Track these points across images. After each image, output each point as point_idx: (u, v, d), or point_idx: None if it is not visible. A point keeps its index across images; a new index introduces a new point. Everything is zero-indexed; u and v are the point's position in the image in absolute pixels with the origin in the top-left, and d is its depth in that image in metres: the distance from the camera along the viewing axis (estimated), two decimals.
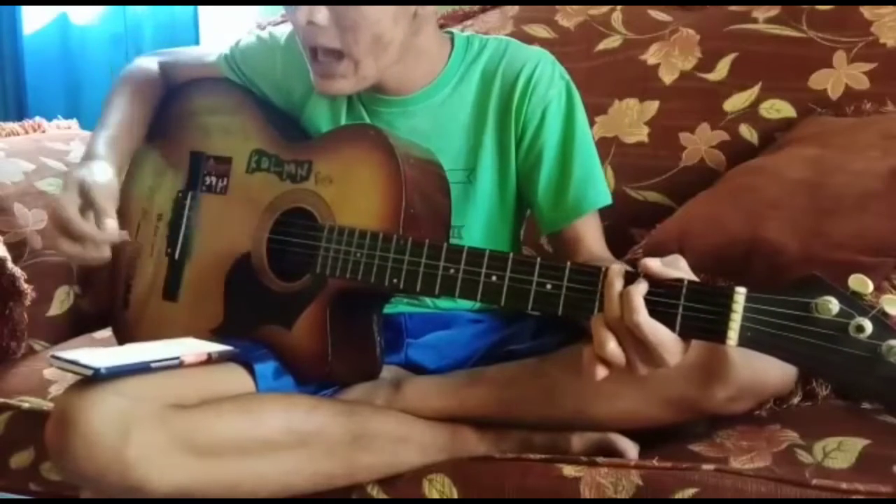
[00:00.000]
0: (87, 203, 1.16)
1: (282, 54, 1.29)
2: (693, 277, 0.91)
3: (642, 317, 0.87)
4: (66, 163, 1.69)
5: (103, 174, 1.20)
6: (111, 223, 1.16)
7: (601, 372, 0.91)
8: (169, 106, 1.38)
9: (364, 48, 1.14)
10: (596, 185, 1.23)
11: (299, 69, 1.23)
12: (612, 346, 0.89)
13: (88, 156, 1.25)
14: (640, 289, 0.88)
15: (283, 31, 1.32)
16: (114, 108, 1.33)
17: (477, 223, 1.24)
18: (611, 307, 0.89)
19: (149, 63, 1.41)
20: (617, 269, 0.91)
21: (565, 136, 1.22)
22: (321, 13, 1.12)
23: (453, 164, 1.21)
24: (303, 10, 1.12)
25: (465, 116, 1.24)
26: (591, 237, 1.22)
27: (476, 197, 1.24)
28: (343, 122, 1.26)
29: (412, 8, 1.15)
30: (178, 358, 1.05)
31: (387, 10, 1.12)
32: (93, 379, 0.98)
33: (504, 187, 1.25)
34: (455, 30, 1.31)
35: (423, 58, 1.23)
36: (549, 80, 1.22)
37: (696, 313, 0.87)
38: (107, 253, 1.18)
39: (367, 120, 1.25)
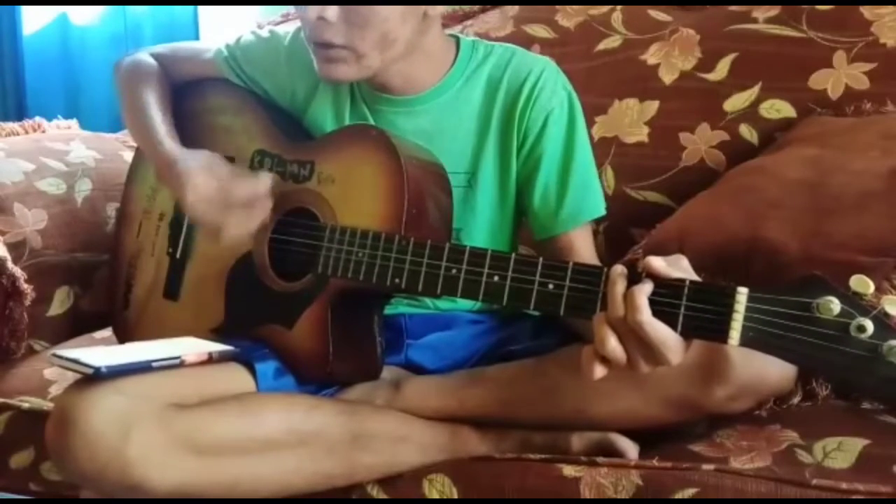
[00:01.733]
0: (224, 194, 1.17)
1: (286, 54, 1.29)
2: (695, 277, 0.91)
3: (646, 316, 0.87)
4: (67, 163, 1.69)
5: (217, 163, 1.21)
6: (263, 175, 1.18)
7: (599, 371, 0.91)
8: (173, 106, 1.37)
9: (370, 44, 1.14)
10: (593, 195, 1.24)
11: (303, 69, 1.23)
12: (613, 345, 0.89)
13: (173, 154, 1.23)
14: (645, 289, 0.88)
15: (285, 30, 1.32)
16: (152, 104, 1.31)
17: (477, 226, 1.24)
18: (614, 306, 0.89)
19: (143, 57, 1.40)
20: (619, 269, 0.91)
21: (566, 144, 1.22)
22: (332, 9, 1.12)
23: (455, 167, 1.21)
24: (314, 6, 1.12)
25: (469, 120, 1.24)
26: (582, 246, 1.23)
27: (477, 201, 1.24)
28: (346, 121, 1.26)
29: (422, 8, 1.15)
30: (179, 357, 1.05)
31: (396, 8, 1.13)
32: (93, 378, 0.98)
33: (505, 192, 1.25)
34: (456, 30, 1.31)
35: (429, 58, 1.23)
36: (553, 89, 1.22)
37: (698, 313, 0.87)
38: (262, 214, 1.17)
39: (371, 119, 1.25)
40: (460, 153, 1.23)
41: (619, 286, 0.90)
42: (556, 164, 1.22)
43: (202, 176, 1.17)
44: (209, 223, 1.17)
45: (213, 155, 1.22)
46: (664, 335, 0.88)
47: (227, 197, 1.16)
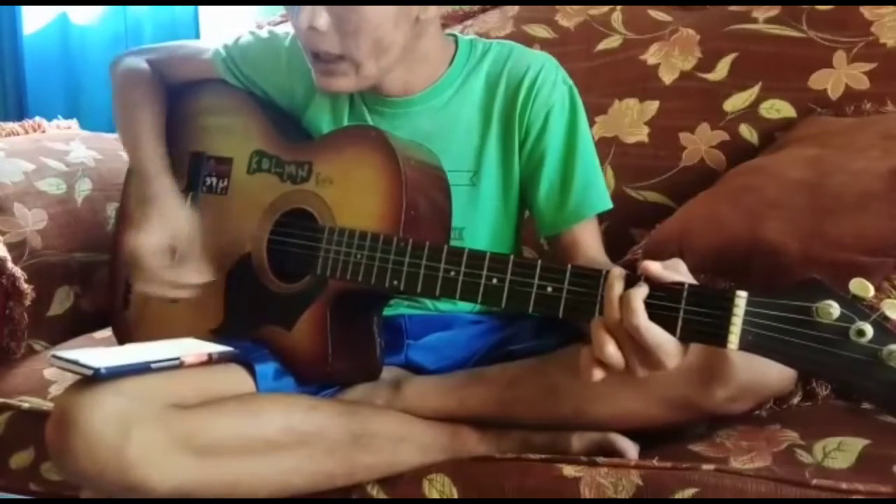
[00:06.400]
0: (173, 249, 1.21)
1: (286, 55, 1.29)
2: (693, 281, 0.91)
3: (642, 320, 0.87)
4: (67, 163, 1.69)
5: (187, 220, 1.23)
6: (196, 271, 1.22)
7: (598, 374, 0.90)
8: (170, 107, 1.37)
9: (365, 51, 1.14)
10: (597, 189, 1.24)
11: (303, 70, 1.23)
12: (611, 350, 0.89)
13: (156, 182, 1.26)
14: (641, 292, 0.88)
15: (285, 30, 1.32)
16: (145, 123, 1.33)
17: (480, 225, 1.24)
18: (610, 310, 0.89)
19: (138, 63, 1.39)
20: (617, 272, 0.91)
21: (568, 139, 1.22)
22: (322, 18, 1.12)
23: (456, 165, 1.21)
24: (304, 15, 1.12)
25: (469, 118, 1.24)
26: (589, 241, 1.23)
27: (480, 199, 1.24)
28: (345, 123, 1.26)
29: (414, 11, 1.15)
30: (178, 358, 1.05)
31: (388, 14, 1.12)
32: (93, 379, 0.98)
33: (507, 190, 1.25)
34: (456, 30, 1.31)
35: (426, 60, 1.23)
36: (553, 84, 1.22)
37: (698, 317, 0.87)
38: (185, 295, 1.22)
39: (370, 121, 1.25)
40: (462, 152, 1.23)
41: (616, 289, 0.89)
42: (560, 159, 1.22)
43: (147, 234, 1.21)
44: (134, 269, 1.21)
45: (190, 222, 1.24)
46: (661, 339, 0.87)
47: (156, 269, 1.20)
